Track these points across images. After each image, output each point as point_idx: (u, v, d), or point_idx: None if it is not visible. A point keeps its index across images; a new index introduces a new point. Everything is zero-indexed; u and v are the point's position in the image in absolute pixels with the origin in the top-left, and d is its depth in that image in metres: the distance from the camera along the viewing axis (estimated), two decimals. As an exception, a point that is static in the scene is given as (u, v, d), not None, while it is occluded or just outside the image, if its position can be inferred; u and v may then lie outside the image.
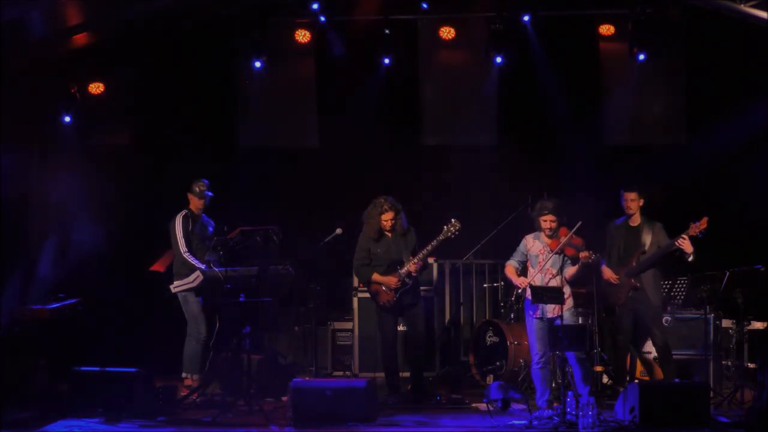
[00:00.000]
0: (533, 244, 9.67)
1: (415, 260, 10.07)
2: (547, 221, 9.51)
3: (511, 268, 9.74)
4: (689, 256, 9.82)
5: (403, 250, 10.15)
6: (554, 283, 9.48)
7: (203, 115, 12.27)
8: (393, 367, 10.27)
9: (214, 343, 10.18)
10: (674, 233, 9.94)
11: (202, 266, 10.13)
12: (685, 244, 9.76)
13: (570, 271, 9.51)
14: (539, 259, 9.57)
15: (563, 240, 9.38)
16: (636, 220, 10.12)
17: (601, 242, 10.38)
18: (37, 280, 11.03)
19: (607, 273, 10.02)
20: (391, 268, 10.13)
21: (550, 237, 9.54)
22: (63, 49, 11.21)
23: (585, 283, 9.96)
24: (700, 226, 9.68)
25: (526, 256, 9.70)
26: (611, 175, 11.61)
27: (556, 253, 9.47)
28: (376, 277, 10.16)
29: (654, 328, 10.04)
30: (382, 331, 10.28)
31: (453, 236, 10.07)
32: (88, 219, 11.65)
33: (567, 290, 9.55)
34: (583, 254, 9.37)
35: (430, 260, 11.03)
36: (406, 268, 10.07)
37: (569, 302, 9.56)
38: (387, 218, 10.09)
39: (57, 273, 11.26)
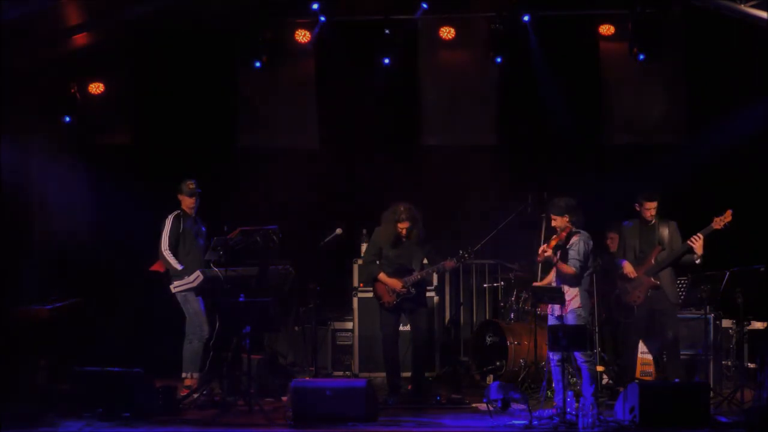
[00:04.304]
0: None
1: (417, 274, 10.08)
2: (556, 220, 9.49)
3: None
4: (698, 258, 9.71)
5: (413, 259, 10.14)
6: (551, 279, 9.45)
7: (203, 115, 12.28)
8: (394, 366, 10.24)
9: (214, 343, 10.17)
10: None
11: (180, 266, 10.06)
12: (697, 245, 9.62)
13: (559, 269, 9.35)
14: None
15: (553, 242, 9.32)
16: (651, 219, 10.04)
17: (601, 241, 10.40)
18: None
19: (627, 267, 9.95)
20: (397, 272, 10.11)
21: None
22: (63, 49, 11.22)
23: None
24: (724, 219, 9.57)
25: None
26: (611, 175, 11.62)
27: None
28: (382, 276, 10.12)
29: (669, 329, 9.96)
30: (383, 330, 10.25)
31: (462, 264, 10.17)
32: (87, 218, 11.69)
33: (571, 291, 9.29)
34: (541, 248, 9.28)
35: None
36: (413, 278, 10.08)
37: (573, 303, 9.43)
38: (402, 227, 10.05)
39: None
